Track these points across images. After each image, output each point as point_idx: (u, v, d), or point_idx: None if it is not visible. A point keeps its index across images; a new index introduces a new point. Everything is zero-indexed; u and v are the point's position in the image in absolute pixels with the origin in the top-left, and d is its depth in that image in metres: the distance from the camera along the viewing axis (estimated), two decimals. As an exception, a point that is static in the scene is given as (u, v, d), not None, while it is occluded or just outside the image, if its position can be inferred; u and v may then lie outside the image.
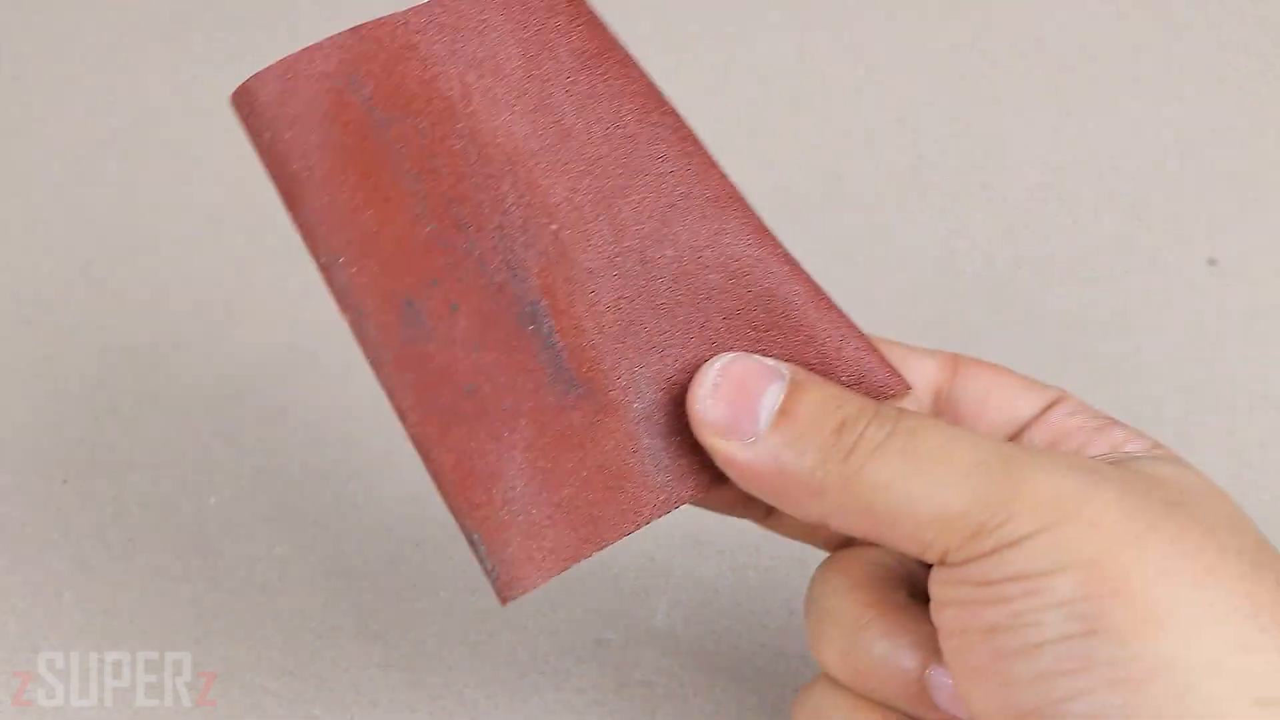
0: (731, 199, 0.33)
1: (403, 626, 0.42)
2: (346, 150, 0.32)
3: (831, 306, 0.33)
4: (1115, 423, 0.34)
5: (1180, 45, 0.59)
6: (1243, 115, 0.57)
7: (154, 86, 0.58)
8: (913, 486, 0.30)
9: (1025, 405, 0.34)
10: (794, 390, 0.31)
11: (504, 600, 0.30)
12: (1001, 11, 0.61)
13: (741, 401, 0.32)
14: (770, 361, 0.32)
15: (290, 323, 0.50)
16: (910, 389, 0.33)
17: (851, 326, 0.33)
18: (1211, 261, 0.52)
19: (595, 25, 0.34)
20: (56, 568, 0.44)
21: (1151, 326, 0.49)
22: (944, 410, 0.34)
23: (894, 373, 0.33)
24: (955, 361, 0.35)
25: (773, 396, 0.31)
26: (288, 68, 0.33)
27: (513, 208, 0.32)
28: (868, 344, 0.33)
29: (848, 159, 0.55)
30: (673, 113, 0.34)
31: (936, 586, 0.30)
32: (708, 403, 0.32)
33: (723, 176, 0.34)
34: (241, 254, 0.52)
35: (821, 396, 0.31)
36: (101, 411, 0.47)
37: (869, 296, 0.51)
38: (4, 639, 0.42)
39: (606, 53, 0.34)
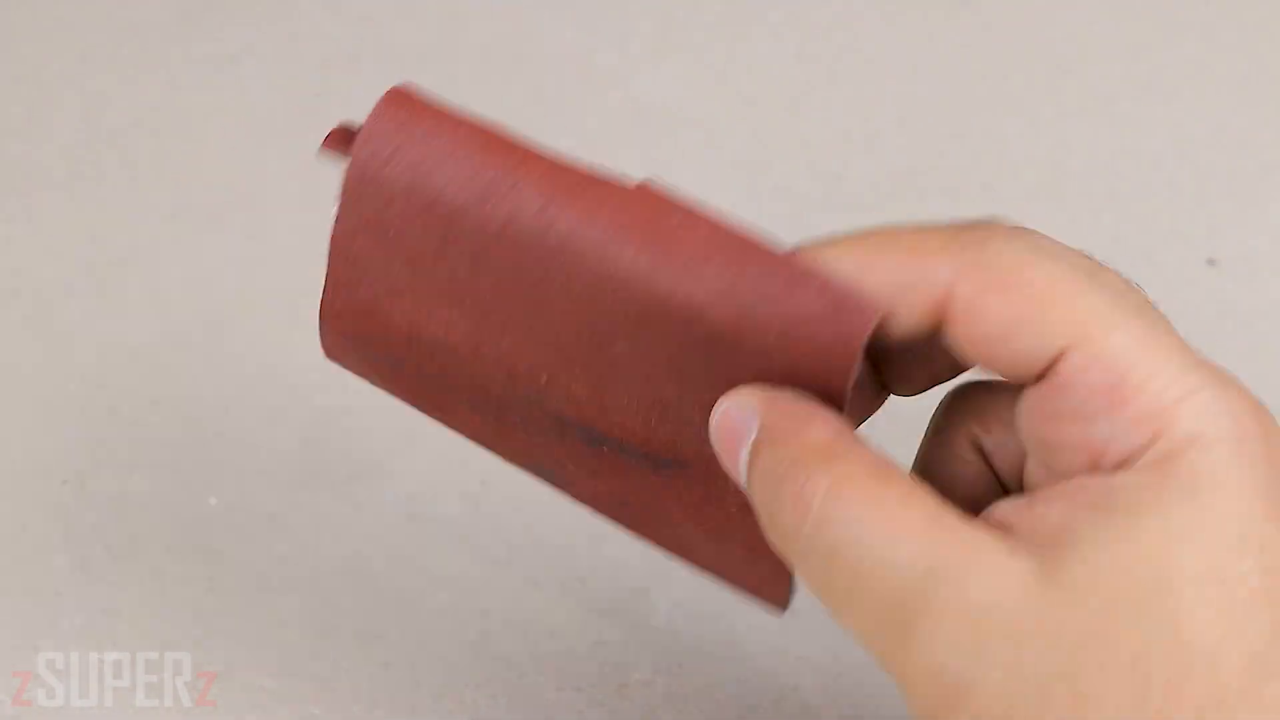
0: (620, 224, 0.31)
1: (403, 626, 0.42)
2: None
3: (749, 272, 0.30)
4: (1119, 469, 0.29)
5: (1180, 45, 0.59)
6: (1243, 115, 0.57)
7: (154, 86, 0.58)
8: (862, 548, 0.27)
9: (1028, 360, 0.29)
10: (751, 459, 0.29)
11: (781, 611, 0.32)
12: (1001, 11, 0.61)
13: (731, 465, 0.30)
14: (749, 401, 0.29)
15: (290, 323, 0.50)
16: (880, 312, 0.28)
17: (784, 278, 0.29)
18: (1211, 261, 0.52)
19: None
20: (56, 568, 0.44)
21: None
22: (954, 333, 0.29)
23: (856, 306, 0.28)
24: (976, 272, 0.29)
25: (743, 461, 0.29)
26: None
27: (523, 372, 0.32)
28: (815, 285, 0.29)
29: (848, 159, 0.55)
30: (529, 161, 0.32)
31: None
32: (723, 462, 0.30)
33: (599, 200, 0.31)
34: (242, 254, 0.52)
35: (768, 469, 0.29)
36: (101, 411, 0.47)
37: (869, 296, 0.51)
38: (3, 639, 0.42)
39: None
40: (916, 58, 0.59)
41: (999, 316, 0.28)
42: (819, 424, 0.28)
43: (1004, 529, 0.28)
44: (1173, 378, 0.28)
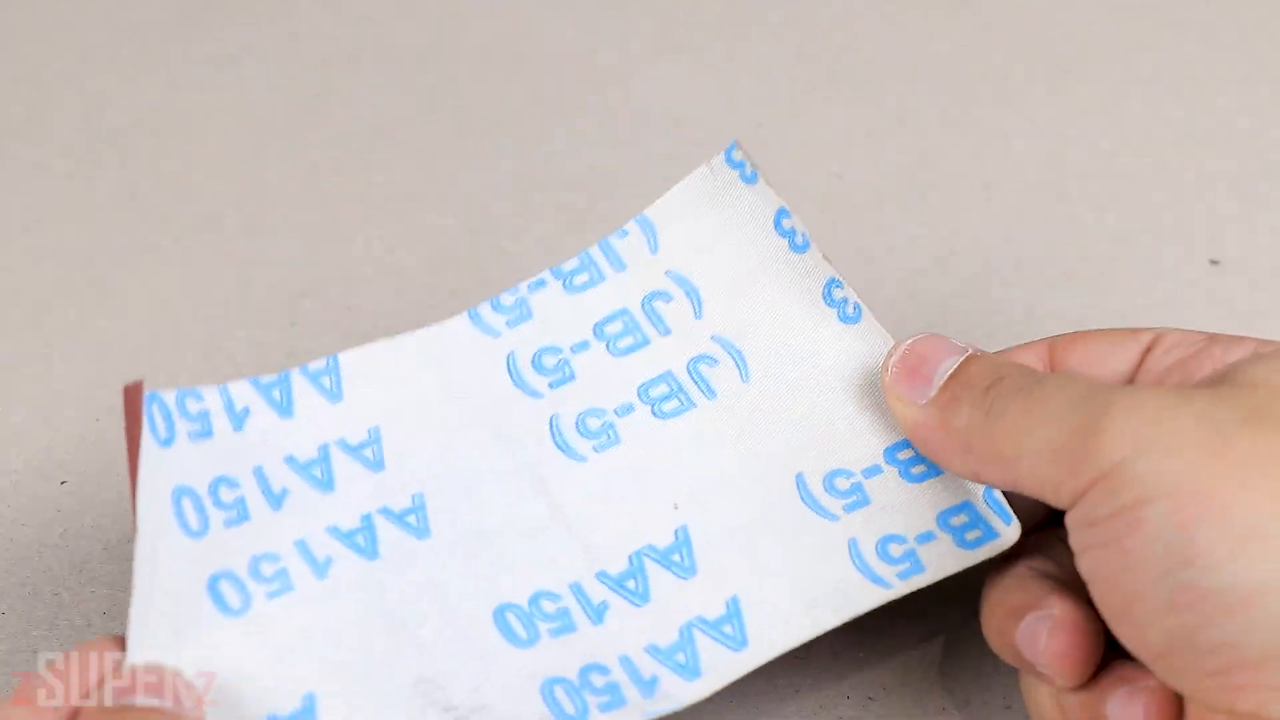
0: None
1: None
2: None
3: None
4: (1214, 339, 0.35)
5: (1181, 45, 0.59)
6: (1243, 115, 0.56)
7: (154, 86, 0.58)
8: (1028, 428, 0.32)
9: (1119, 360, 0.36)
10: (967, 361, 0.36)
11: None
12: (1001, 11, 0.61)
13: (921, 369, 0.36)
14: (957, 342, 0.37)
15: (289, 323, 0.50)
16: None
17: None
18: (1213, 262, 0.52)
19: None
20: (55, 568, 0.44)
21: (1153, 326, 0.48)
22: None
23: None
24: (1050, 346, 0.38)
25: (949, 364, 0.36)
26: None
27: None
28: None
29: (848, 159, 0.55)
30: None
31: (1069, 535, 0.32)
32: (893, 371, 0.37)
33: None
34: (241, 254, 0.52)
35: (988, 364, 0.35)
36: (101, 411, 0.47)
37: (869, 297, 0.51)
38: (3, 639, 0.42)
39: None
40: (916, 58, 0.59)
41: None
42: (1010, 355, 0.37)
43: None
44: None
